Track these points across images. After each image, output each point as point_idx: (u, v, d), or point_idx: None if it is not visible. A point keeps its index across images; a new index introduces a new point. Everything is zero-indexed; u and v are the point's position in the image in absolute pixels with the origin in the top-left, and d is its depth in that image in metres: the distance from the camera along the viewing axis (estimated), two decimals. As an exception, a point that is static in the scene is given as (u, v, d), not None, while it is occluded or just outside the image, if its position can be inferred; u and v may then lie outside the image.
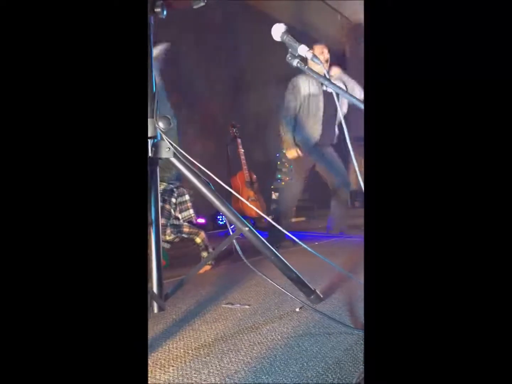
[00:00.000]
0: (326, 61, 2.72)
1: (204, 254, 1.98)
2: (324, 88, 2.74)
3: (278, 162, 4.65)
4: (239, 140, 3.61)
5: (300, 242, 1.21)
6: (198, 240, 1.97)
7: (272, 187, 4.53)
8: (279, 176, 4.64)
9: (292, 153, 2.68)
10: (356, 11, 5.50)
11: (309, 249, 1.22)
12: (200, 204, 3.60)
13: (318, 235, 3.07)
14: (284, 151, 2.85)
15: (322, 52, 2.71)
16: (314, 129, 2.72)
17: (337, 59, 2.84)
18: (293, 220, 3.11)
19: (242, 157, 3.59)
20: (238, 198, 3.47)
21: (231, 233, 1.27)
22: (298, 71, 2.66)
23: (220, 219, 3.72)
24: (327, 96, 2.73)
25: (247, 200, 3.59)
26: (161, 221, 1.87)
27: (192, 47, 3.43)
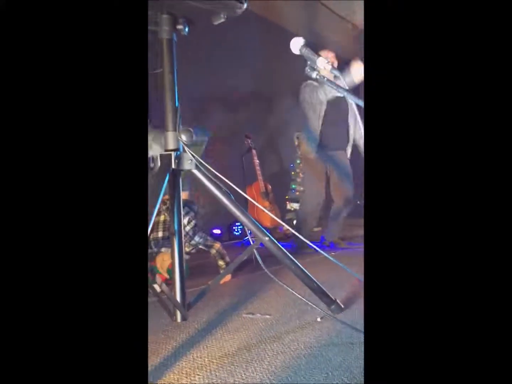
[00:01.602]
0: (332, 63, 2.72)
1: (221, 262, 1.99)
2: (334, 95, 2.70)
3: (293, 172, 4.66)
4: (254, 151, 3.64)
5: (321, 251, 1.22)
6: (213, 251, 1.99)
7: (286, 197, 4.53)
8: (293, 186, 4.64)
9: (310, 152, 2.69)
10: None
11: (330, 258, 1.22)
12: (216, 215, 3.64)
13: (333, 245, 3.05)
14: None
15: (327, 55, 2.72)
16: (318, 132, 2.73)
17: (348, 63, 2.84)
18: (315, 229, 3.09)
19: (257, 167, 3.61)
20: (253, 208, 3.49)
21: (251, 242, 1.28)
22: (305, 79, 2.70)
23: (236, 230, 3.74)
24: (335, 101, 2.72)
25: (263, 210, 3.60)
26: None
27: (206, 58, 3.49)
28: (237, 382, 0.88)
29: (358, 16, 5.79)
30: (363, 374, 0.88)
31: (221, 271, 1.98)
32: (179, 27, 1.20)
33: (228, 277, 1.97)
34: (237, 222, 3.73)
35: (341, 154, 2.80)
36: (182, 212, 1.93)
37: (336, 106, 2.71)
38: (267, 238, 1.23)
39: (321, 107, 2.69)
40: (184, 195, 1.93)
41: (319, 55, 1.12)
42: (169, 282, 1.15)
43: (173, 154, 1.16)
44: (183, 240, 1.92)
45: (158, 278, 1.12)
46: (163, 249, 1.89)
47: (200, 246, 2.00)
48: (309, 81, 2.75)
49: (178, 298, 1.17)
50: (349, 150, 2.83)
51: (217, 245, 2.00)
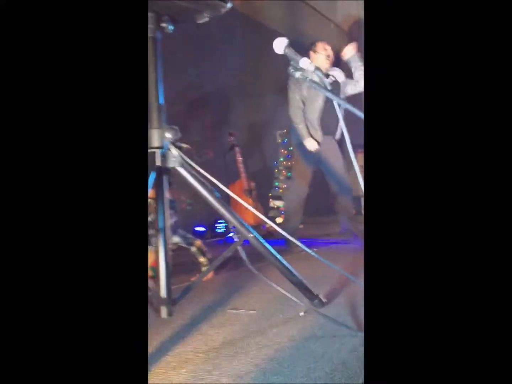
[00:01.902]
0: (328, 56, 2.74)
1: (202, 259, 2.00)
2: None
3: (276, 170, 4.69)
4: (237, 149, 3.66)
5: (306, 248, 1.25)
6: (193, 248, 1.99)
7: (269, 194, 4.57)
8: (276, 183, 4.68)
9: (312, 143, 2.67)
10: (346, 19, 5.62)
11: (315, 254, 1.25)
12: (199, 213, 3.64)
13: (315, 241, 3.10)
14: (303, 142, 2.73)
15: (325, 48, 2.73)
16: (314, 119, 2.73)
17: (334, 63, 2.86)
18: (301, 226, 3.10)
19: (241, 165, 3.63)
20: (236, 206, 3.51)
21: (235, 239, 1.30)
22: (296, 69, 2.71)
23: (219, 227, 3.75)
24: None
25: (246, 208, 3.62)
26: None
27: (189, 56, 3.48)
28: (222, 373, 0.90)
29: (339, 16, 5.88)
30: (343, 365, 0.92)
31: (203, 268, 1.99)
32: (163, 25, 1.20)
33: (210, 274, 1.98)
34: (220, 219, 3.74)
35: (330, 141, 2.78)
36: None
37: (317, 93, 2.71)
38: (251, 235, 1.26)
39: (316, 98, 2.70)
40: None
41: (314, 47, 1.14)
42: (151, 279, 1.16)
43: (157, 151, 1.17)
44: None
45: (150, 272, 1.13)
46: None
47: (180, 244, 2.00)
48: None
49: (163, 294, 1.18)
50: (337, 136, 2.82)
51: (198, 242, 2.01)
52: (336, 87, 2.76)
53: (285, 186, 4.55)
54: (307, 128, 2.71)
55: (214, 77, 3.73)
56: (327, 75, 2.71)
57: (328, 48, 2.74)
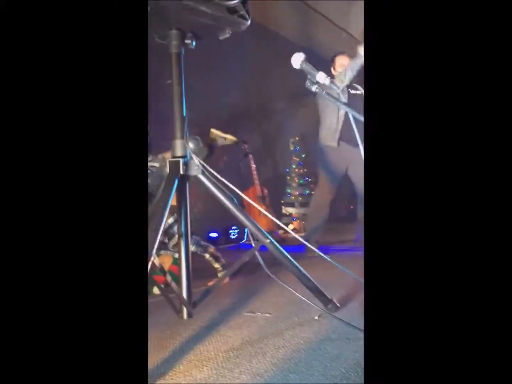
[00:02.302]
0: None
1: (217, 265, 2.04)
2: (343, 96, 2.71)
3: (288, 177, 4.75)
4: (250, 156, 3.73)
5: (321, 254, 1.30)
6: (207, 255, 2.02)
7: (282, 201, 4.62)
8: (288, 190, 4.74)
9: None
10: (359, 28, 5.68)
11: (330, 260, 1.30)
12: (213, 219, 3.70)
13: (330, 248, 3.13)
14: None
15: (343, 64, 2.77)
16: (335, 125, 2.76)
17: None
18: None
19: (254, 172, 3.70)
20: (249, 212, 3.57)
21: (253, 245, 1.35)
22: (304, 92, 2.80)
23: (232, 234, 3.81)
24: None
25: (259, 214, 3.68)
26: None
27: (203, 65, 3.57)
28: (242, 371, 0.95)
29: (352, 25, 5.93)
30: (358, 365, 0.96)
31: (218, 273, 2.03)
32: (187, 41, 1.28)
33: (225, 280, 2.02)
34: (234, 226, 3.81)
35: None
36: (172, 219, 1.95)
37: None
38: (268, 241, 1.31)
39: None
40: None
41: (333, 64, 1.19)
42: (167, 283, 1.20)
43: (181, 160, 1.23)
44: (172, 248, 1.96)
45: (168, 277, 1.19)
46: (162, 252, 1.95)
47: (195, 251, 2.02)
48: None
49: (184, 296, 1.24)
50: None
51: (211, 249, 2.04)
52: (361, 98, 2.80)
53: (297, 193, 4.60)
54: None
55: (228, 86, 3.81)
56: (354, 87, 2.77)
57: (346, 62, 2.76)
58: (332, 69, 2.85)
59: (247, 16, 1.28)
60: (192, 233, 2.04)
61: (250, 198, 3.73)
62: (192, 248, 1.98)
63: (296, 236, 1.37)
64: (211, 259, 2.03)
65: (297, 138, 4.80)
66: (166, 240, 1.98)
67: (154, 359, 1.07)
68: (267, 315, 1.42)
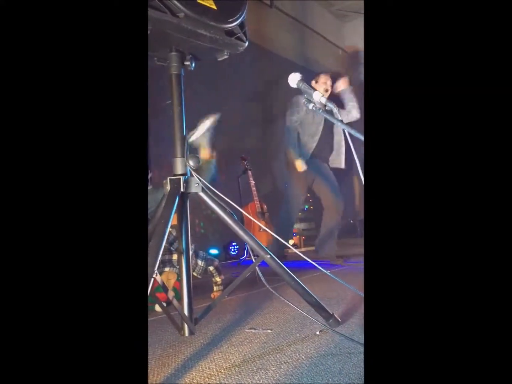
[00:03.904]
0: (326, 90, 3.00)
1: (218, 279, 2.07)
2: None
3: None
4: (249, 172, 3.75)
5: (322, 269, 1.31)
6: (211, 268, 2.06)
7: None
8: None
9: (300, 165, 2.89)
10: (353, 45, 5.83)
11: (331, 275, 1.31)
12: (213, 236, 3.70)
13: (327, 263, 3.13)
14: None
15: (325, 82, 2.99)
16: (310, 141, 2.98)
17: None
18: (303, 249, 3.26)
19: (253, 188, 3.72)
20: (249, 228, 3.58)
21: (253, 260, 1.36)
22: (297, 92, 2.92)
23: (232, 250, 3.81)
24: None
25: (259, 230, 3.69)
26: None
27: (201, 83, 3.63)
28: (245, 389, 0.95)
29: (346, 42, 6.08)
30: (360, 380, 0.96)
31: (215, 287, 2.06)
32: (187, 63, 1.32)
33: (218, 293, 2.04)
34: (233, 242, 3.81)
35: (325, 163, 3.07)
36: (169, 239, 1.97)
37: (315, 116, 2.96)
38: (269, 256, 1.32)
39: (305, 117, 2.96)
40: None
41: (317, 78, 1.24)
42: (170, 301, 1.20)
43: (181, 178, 1.26)
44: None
45: (170, 293, 1.20)
46: (166, 268, 1.96)
47: (203, 266, 2.04)
48: (294, 97, 2.97)
49: (186, 313, 1.24)
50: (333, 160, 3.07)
51: (216, 262, 2.09)
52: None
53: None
54: (298, 152, 2.95)
55: (226, 103, 3.87)
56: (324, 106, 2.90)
57: (329, 82, 3.01)
58: (314, 82, 3.04)
59: (244, 38, 1.32)
60: (197, 250, 2.08)
61: (249, 214, 3.74)
62: (201, 263, 2.00)
63: (297, 251, 1.38)
64: (214, 271, 2.06)
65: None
66: (167, 257, 1.99)
67: (156, 377, 1.07)
68: (269, 331, 1.42)
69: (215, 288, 2.07)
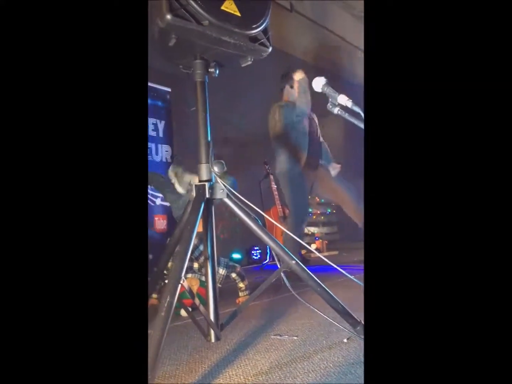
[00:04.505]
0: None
1: (241, 285, 2.07)
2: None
3: (309, 197, 4.73)
4: (271, 177, 3.75)
5: (347, 275, 1.29)
6: (233, 275, 2.06)
7: (303, 221, 4.58)
8: (310, 209, 4.71)
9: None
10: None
11: (356, 280, 1.29)
12: (236, 240, 3.71)
13: (352, 268, 3.08)
14: None
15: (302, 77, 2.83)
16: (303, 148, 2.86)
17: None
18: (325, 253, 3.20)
19: (275, 192, 3.71)
20: (271, 232, 3.57)
21: (278, 265, 1.35)
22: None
23: (255, 254, 3.81)
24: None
25: (281, 234, 3.67)
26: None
27: (221, 87, 3.66)
28: (273, 398, 0.94)
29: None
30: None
31: (240, 293, 2.06)
32: (211, 70, 1.32)
33: (243, 298, 2.05)
34: (256, 247, 3.80)
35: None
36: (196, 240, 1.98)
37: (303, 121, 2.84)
38: (294, 262, 1.31)
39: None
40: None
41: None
42: (195, 306, 1.21)
43: (206, 184, 1.26)
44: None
45: (197, 300, 1.20)
46: (189, 275, 1.98)
47: (225, 273, 2.04)
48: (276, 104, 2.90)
49: (212, 319, 1.24)
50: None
51: (238, 268, 2.08)
52: None
53: (318, 212, 4.57)
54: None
55: (250, 109, 3.88)
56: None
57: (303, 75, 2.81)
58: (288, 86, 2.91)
59: (268, 44, 1.32)
60: (218, 256, 2.09)
61: (271, 218, 3.73)
62: (222, 271, 2.00)
63: (321, 256, 1.36)
64: (237, 278, 2.06)
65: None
66: (189, 264, 2.01)
67: (184, 382, 1.07)
68: (295, 338, 1.40)
69: (240, 294, 2.07)
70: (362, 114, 1.16)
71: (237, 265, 2.10)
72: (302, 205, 2.94)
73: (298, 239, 1.49)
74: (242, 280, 2.08)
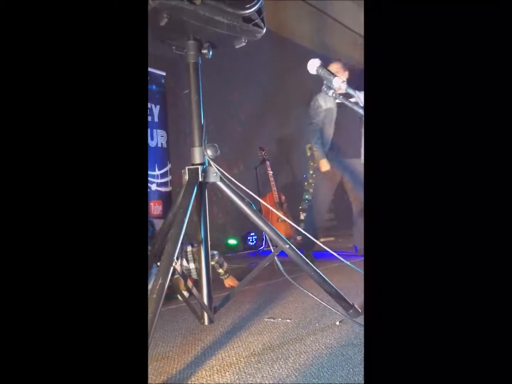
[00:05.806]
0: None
1: (220, 270, 2.07)
2: (337, 101, 2.82)
3: (305, 183, 4.73)
4: (267, 163, 3.74)
5: (343, 260, 1.29)
6: (212, 262, 2.04)
7: (300, 207, 4.60)
8: (306, 196, 4.71)
9: (325, 165, 2.78)
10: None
11: (352, 266, 1.29)
12: (232, 226, 3.72)
13: (347, 254, 3.10)
14: (314, 165, 2.96)
15: (337, 71, 2.82)
16: (329, 139, 2.85)
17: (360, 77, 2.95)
18: (322, 239, 3.20)
19: (271, 178, 3.70)
20: (267, 218, 3.57)
21: (272, 250, 1.35)
22: (316, 91, 2.80)
23: (251, 240, 3.81)
24: (344, 108, 2.82)
25: (277, 220, 3.68)
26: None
27: (216, 71, 3.62)
28: (265, 377, 0.95)
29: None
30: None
31: (222, 277, 2.08)
32: (204, 51, 1.30)
33: (234, 282, 2.06)
34: (252, 232, 3.81)
35: (356, 161, 2.88)
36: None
37: (333, 112, 2.83)
38: (287, 246, 1.31)
39: (326, 114, 2.80)
40: None
41: (334, 75, 1.20)
42: (189, 290, 1.19)
43: (200, 168, 1.25)
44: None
45: (189, 282, 1.21)
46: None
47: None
48: (315, 96, 2.87)
49: (205, 302, 1.25)
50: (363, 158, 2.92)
51: (216, 256, 2.08)
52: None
53: (311, 190, 4.57)
54: (324, 151, 2.83)
55: (243, 93, 3.85)
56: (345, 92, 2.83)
57: (341, 70, 2.81)
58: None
59: (262, 25, 1.30)
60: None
61: (267, 204, 3.73)
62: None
63: (316, 241, 1.36)
64: (216, 265, 2.07)
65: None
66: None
67: (177, 364, 1.08)
68: (288, 320, 1.41)
69: (223, 278, 2.09)
70: (356, 96, 1.15)
71: (215, 252, 2.08)
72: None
73: (294, 224, 1.48)
74: (221, 266, 2.09)
